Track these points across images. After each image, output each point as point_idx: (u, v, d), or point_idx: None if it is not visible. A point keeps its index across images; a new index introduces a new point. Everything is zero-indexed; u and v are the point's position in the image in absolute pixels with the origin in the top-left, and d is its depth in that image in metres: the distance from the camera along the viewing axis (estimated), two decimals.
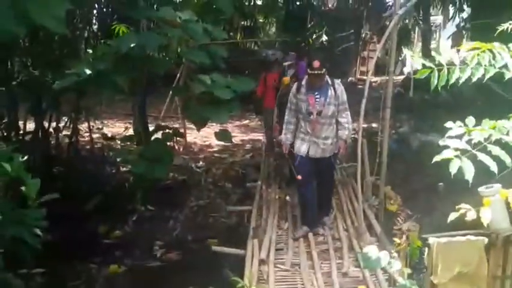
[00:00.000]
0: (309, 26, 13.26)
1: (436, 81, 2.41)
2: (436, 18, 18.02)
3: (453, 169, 2.11)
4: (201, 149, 9.76)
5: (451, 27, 18.20)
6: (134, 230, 6.87)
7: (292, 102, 5.03)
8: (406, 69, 15.31)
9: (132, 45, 3.85)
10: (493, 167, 2.16)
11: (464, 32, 13.68)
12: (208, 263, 5.53)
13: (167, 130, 5.11)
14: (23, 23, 3.05)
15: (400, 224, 5.79)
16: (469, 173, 2.15)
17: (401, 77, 14.04)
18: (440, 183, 7.06)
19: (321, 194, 5.30)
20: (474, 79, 2.48)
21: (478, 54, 2.40)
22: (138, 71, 4.47)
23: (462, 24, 11.85)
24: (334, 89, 4.91)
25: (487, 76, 2.47)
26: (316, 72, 4.75)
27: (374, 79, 11.46)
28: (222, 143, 8.34)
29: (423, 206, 6.64)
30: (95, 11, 8.01)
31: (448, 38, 14.70)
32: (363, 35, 15.35)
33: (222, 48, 4.61)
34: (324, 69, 4.74)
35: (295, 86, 5.06)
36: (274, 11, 12.55)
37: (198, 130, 4.63)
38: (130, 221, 7.03)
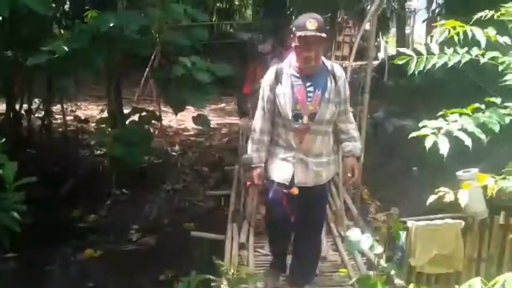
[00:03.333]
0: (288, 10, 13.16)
1: (413, 68, 2.47)
2: (411, 4, 18.16)
3: (428, 144, 2.18)
4: (177, 132, 9.68)
5: (425, 13, 18.39)
6: (109, 214, 6.77)
7: (266, 98, 3.29)
8: (381, 55, 15.42)
9: (111, 24, 3.76)
10: (468, 141, 2.22)
11: (438, 18, 13.80)
12: (185, 247, 5.52)
13: (144, 113, 5.01)
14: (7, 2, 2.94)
15: (375, 211, 5.83)
16: (444, 148, 2.21)
17: (376, 62, 14.14)
18: (415, 168, 7.17)
19: (302, 254, 3.59)
20: (450, 64, 2.55)
21: (456, 34, 2.43)
22: (116, 52, 4.37)
23: (438, 9, 11.95)
24: (335, 77, 3.25)
25: (463, 61, 2.54)
26: (312, 34, 3.05)
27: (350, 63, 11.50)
28: (198, 126, 8.28)
29: (398, 190, 6.73)
30: None
31: (424, 22, 14.83)
32: (339, 19, 15.36)
33: (203, 31, 4.54)
34: (323, 33, 3.07)
35: (270, 72, 3.31)
36: None
37: (176, 114, 4.56)
38: (105, 204, 6.93)
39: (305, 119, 3.21)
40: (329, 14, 14.94)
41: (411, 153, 6.64)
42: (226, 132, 9.60)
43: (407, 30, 17.69)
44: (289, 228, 3.51)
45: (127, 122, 5.00)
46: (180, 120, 9.69)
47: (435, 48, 2.56)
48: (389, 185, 6.93)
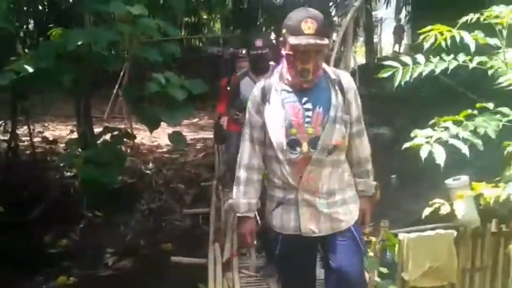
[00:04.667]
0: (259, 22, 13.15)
1: (399, 79, 2.40)
2: (377, 13, 18.42)
3: (423, 154, 2.09)
4: (150, 150, 9.47)
5: (392, 21, 18.70)
6: (82, 238, 6.53)
7: (252, 124, 2.56)
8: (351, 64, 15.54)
9: (79, 42, 3.59)
10: (465, 149, 2.15)
11: (405, 27, 14.03)
12: (164, 270, 5.31)
13: (116, 132, 4.82)
14: None
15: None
16: (440, 157, 2.12)
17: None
18: (393, 176, 7.14)
19: None
20: (437, 71, 2.49)
21: (444, 39, 2.36)
22: (84, 70, 4.19)
23: (407, 18, 12.10)
24: (342, 89, 2.51)
25: (451, 67, 2.48)
26: (310, 42, 2.32)
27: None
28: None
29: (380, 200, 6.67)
30: (31, 9, 7.53)
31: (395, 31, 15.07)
32: None
33: (175, 45, 4.39)
34: (325, 38, 2.39)
35: (256, 88, 2.59)
36: (221, 7, 12.37)
37: (151, 132, 4.38)
38: (77, 228, 6.69)
39: (304, 146, 2.41)
40: None
41: (388, 162, 6.63)
42: (201, 148, 9.43)
43: (375, 39, 17.91)
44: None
45: (99, 142, 4.79)
46: (153, 137, 9.49)
47: (420, 57, 2.50)
48: None
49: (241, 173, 2.59)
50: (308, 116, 2.42)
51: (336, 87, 2.49)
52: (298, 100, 2.45)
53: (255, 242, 2.83)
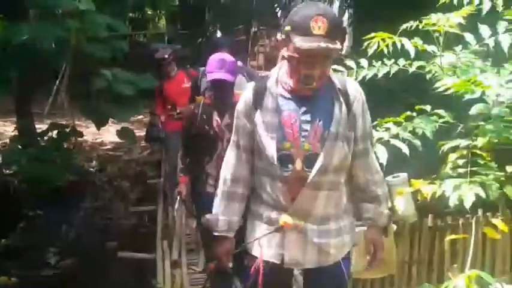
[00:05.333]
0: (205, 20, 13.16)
1: None
2: None
3: None
4: (93, 147, 9.29)
5: None
6: (23, 237, 6.34)
7: (240, 131, 2.22)
8: None
9: (24, 37, 3.50)
10: (405, 149, 2.31)
11: (348, 29, 14.35)
12: (110, 268, 5.26)
13: (62, 129, 4.72)
14: None
15: None
16: (383, 157, 2.30)
17: None
18: None
19: None
20: (380, 75, 2.64)
21: (386, 45, 2.50)
22: (28, 64, 4.08)
23: (349, 21, 12.38)
24: (347, 99, 2.14)
25: (392, 71, 2.64)
26: (320, 45, 1.93)
27: (264, 73, 11.66)
28: (116, 140, 7.98)
29: None
30: None
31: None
32: (254, 29, 15.56)
33: (123, 42, 4.35)
34: (337, 41, 1.99)
35: (248, 91, 2.22)
36: (167, 3, 12.25)
37: (98, 128, 4.33)
38: (18, 227, 6.49)
39: (298, 163, 2.07)
40: (241, 26, 15.15)
41: None
42: (146, 145, 9.33)
43: None
44: None
45: (45, 138, 4.67)
46: (96, 134, 9.31)
47: (363, 61, 2.64)
48: None
49: (224, 186, 2.25)
50: (305, 130, 2.07)
51: (341, 98, 2.12)
52: (296, 109, 2.09)
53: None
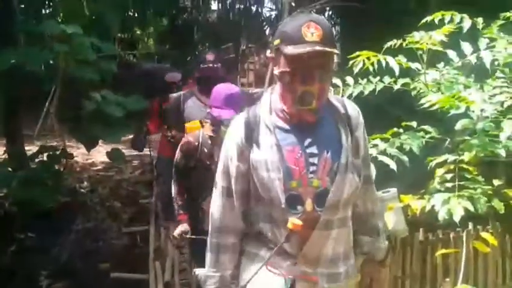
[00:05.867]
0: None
1: None
2: None
3: None
4: (84, 167, 9.25)
5: None
6: (14, 261, 6.29)
7: (233, 173, 1.90)
8: None
9: (12, 61, 3.51)
10: (393, 165, 2.33)
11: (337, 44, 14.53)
12: None
13: (53, 151, 4.72)
14: None
15: None
16: (372, 173, 2.30)
17: None
18: None
19: None
20: (366, 92, 2.68)
21: (371, 64, 2.55)
22: (17, 89, 4.10)
23: (336, 38, 12.55)
24: (350, 124, 1.89)
25: (378, 89, 2.69)
26: (317, 49, 1.65)
27: (254, 90, 11.74)
28: (107, 160, 7.96)
29: None
30: None
31: None
32: (243, 47, 15.68)
33: (111, 63, 4.38)
34: (334, 48, 1.72)
35: (237, 123, 1.92)
36: (156, 24, 12.34)
37: (88, 151, 4.33)
38: (9, 251, 6.43)
39: (308, 204, 1.80)
40: (230, 44, 15.27)
41: None
42: (137, 165, 9.32)
43: None
44: None
45: (37, 161, 4.67)
46: (87, 155, 9.28)
47: (349, 79, 2.69)
48: None
49: (212, 238, 1.98)
50: (313, 164, 1.80)
51: (343, 122, 1.87)
52: (299, 142, 1.81)
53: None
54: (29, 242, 6.67)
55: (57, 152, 4.44)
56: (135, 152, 10.14)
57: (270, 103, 1.89)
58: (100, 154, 9.03)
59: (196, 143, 3.22)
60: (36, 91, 5.63)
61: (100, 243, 6.73)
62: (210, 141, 3.21)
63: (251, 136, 1.85)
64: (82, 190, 8.11)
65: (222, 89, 3.20)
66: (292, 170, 1.80)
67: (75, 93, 4.04)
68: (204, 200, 3.13)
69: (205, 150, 3.20)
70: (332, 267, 1.88)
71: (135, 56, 15.85)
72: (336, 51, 1.75)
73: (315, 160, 1.82)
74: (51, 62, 3.72)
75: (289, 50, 1.72)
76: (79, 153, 8.97)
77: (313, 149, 1.82)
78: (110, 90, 4.72)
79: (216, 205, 1.97)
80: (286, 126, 1.84)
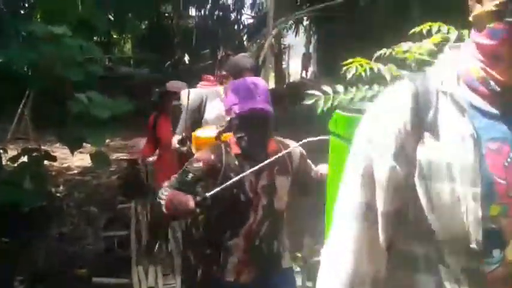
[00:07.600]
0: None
1: (321, 106, 2.62)
2: (285, 39, 19.18)
3: None
4: (60, 171, 9.15)
5: (298, 49, 19.55)
6: None
7: (389, 174, 1.03)
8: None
9: None
10: None
11: (312, 54, 14.75)
12: None
13: (36, 153, 4.66)
14: None
15: None
16: None
17: None
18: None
19: None
20: (355, 100, 2.75)
21: (363, 70, 2.63)
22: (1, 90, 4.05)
23: (315, 47, 12.77)
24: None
25: (368, 96, 2.77)
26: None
27: None
28: (83, 164, 7.91)
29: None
30: None
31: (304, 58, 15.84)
32: (221, 54, 15.78)
33: (98, 65, 4.37)
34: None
35: (402, 90, 1.04)
36: (134, 28, 12.28)
37: (72, 153, 4.29)
38: None
39: (510, 249, 0.95)
40: (207, 50, 15.33)
41: None
42: (114, 170, 9.25)
43: (284, 65, 18.62)
44: None
45: (17, 164, 4.60)
46: (62, 159, 9.17)
47: (339, 87, 2.76)
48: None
49: None
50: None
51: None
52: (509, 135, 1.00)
53: None
54: (3, 247, 6.54)
55: (39, 155, 4.39)
56: (113, 157, 10.14)
57: (457, 66, 1.07)
58: (75, 158, 8.94)
59: (219, 164, 2.32)
60: (10, 92, 5.54)
61: (76, 248, 6.66)
62: (237, 162, 2.34)
63: (424, 117, 1.02)
64: (58, 194, 8.04)
65: (241, 80, 2.49)
66: (496, 186, 0.98)
67: (60, 95, 4.01)
68: (229, 241, 2.34)
69: (232, 175, 2.29)
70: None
71: (111, 60, 15.76)
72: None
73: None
74: (35, 62, 3.69)
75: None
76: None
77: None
78: (98, 92, 4.68)
79: (342, 239, 1.12)
80: (492, 110, 1.02)
